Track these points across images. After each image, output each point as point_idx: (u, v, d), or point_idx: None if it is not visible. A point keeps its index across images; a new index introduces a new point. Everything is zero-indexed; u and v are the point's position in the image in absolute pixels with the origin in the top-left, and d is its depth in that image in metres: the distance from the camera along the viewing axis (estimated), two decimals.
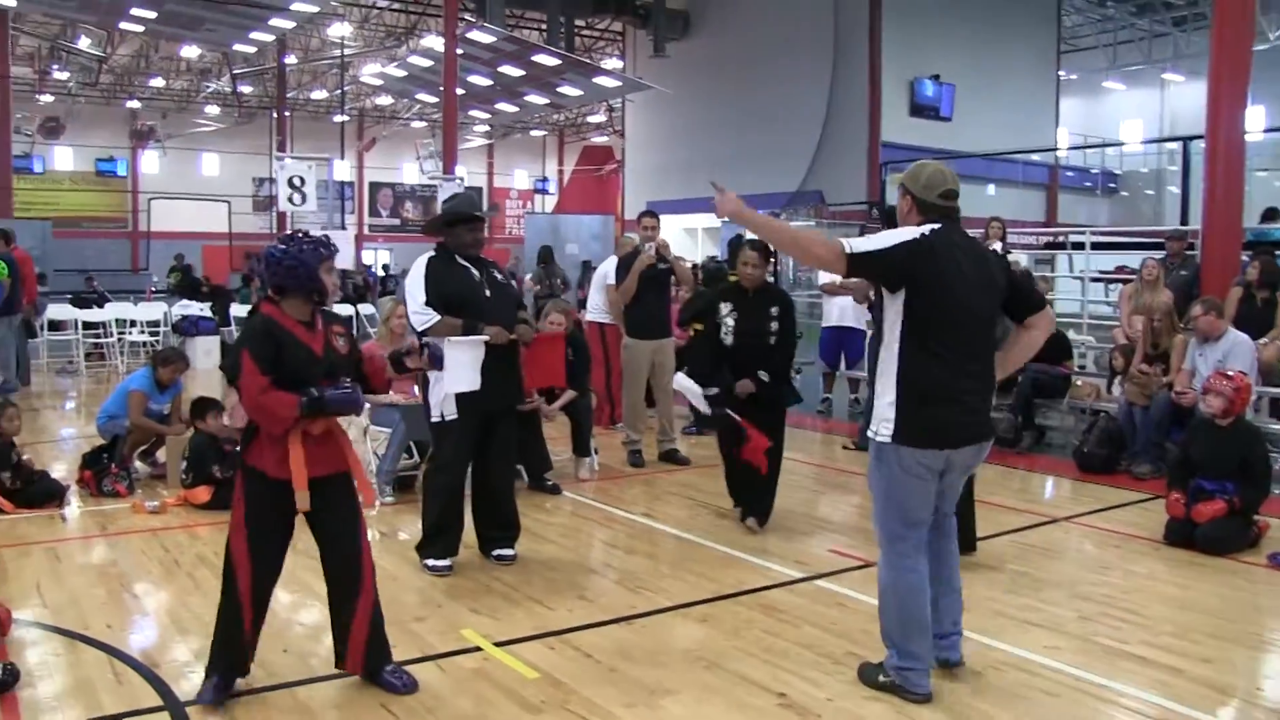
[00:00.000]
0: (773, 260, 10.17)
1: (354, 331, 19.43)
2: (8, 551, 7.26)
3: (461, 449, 6.86)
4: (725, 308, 7.92)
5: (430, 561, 6.86)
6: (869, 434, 4.83)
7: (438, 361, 5.29)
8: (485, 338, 6.60)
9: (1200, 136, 11.88)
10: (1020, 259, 14.02)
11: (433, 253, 6.93)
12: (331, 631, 5.03)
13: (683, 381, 8.06)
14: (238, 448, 8.46)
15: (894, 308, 4.69)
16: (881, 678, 4.97)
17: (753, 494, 8.05)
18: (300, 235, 4.90)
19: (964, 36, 29.63)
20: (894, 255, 4.63)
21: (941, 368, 4.64)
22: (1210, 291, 10.48)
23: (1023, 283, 5.17)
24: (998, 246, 13.35)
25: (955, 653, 5.17)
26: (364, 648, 4.95)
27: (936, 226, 4.70)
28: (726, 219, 5.03)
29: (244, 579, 4.74)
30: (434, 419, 6.85)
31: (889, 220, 10.31)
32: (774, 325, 7.86)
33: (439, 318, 6.64)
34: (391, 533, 7.91)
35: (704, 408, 8.01)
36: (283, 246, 4.80)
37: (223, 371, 4.83)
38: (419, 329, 6.68)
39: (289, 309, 4.82)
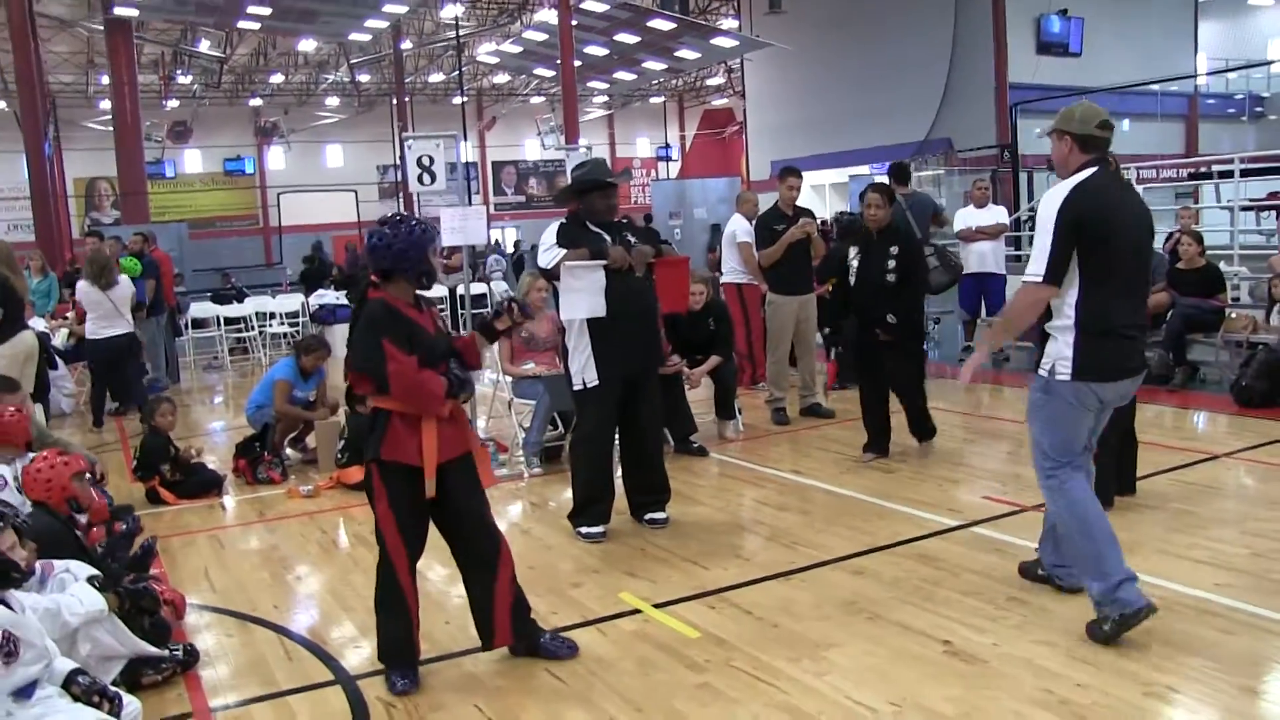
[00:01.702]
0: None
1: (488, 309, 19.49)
2: (174, 541, 7.47)
3: (605, 416, 6.87)
4: (852, 251, 8.40)
5: (584, 530, 6.89)
6: (1040, 372, 4.96)
7: (524, 310, 5.24)
8: (604, 262, 6.60)
9: None
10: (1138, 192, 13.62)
11: (564, 220, 6.92)
12: (472, 614, 4.98)
13: None
14: None
15: None
16: (1107, 627, 4.77)
17: (910, 420, 8.60)
18: (404, 218, 4.80)
19: None
20: (1065, 228, 4.71)
21: (1116, 304, 4.79)
22: None
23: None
24: None
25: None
26: (509, 618, 4.90)
27: (1092, 172, 4.80)
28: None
29: (402, 565, 4.73)
30: (575, 387, 6.88)
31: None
32: (891, 264, 8.14)
33: (564, 251, 6.67)
34: (541, 503, 7.98)
35: None
36: (389, 230, 4.70)
37: (353, 368, 4.76)
38: (548, 264, 6.74)
39: (396, 292, 4.74)
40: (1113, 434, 6.44)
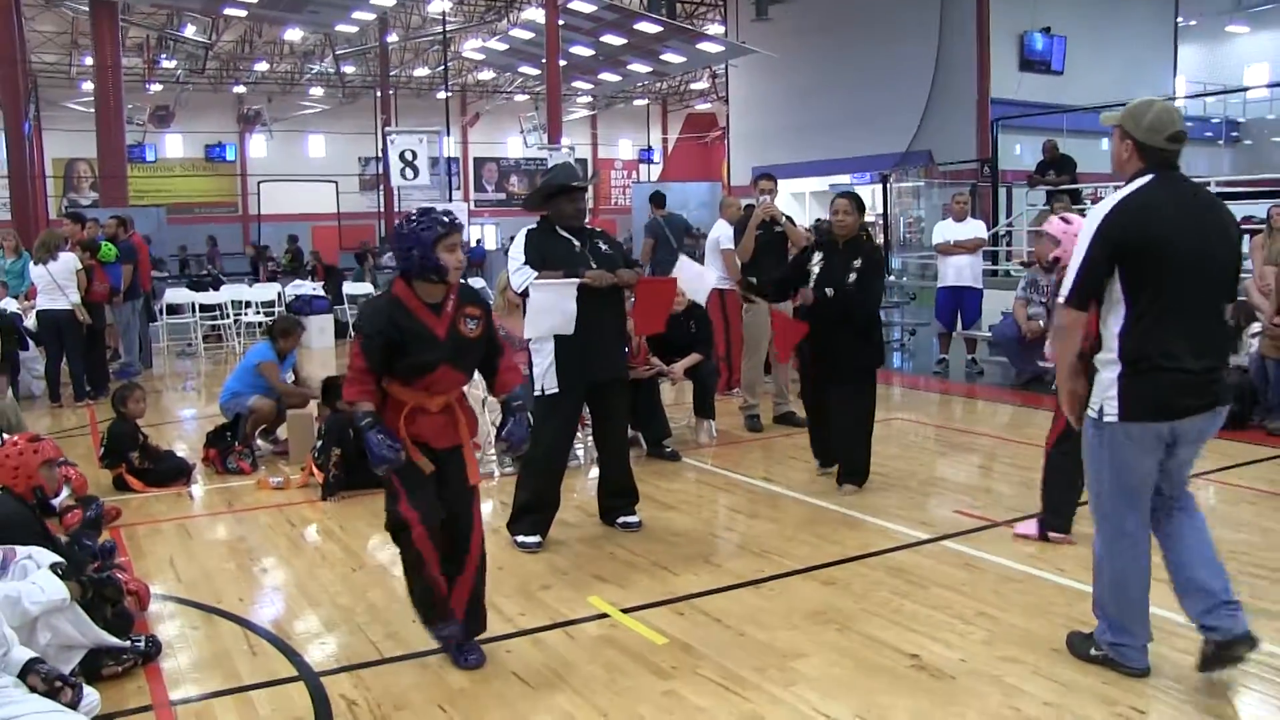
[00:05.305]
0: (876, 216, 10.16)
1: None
2: (141, 529, 7.41)
3: (562, 426, 6.80)
4: (816, 257, 7.92)
5: (521, 538, 6.71)
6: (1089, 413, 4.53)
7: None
8: (578, 280, 6.50)
9: None
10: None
11: (533, 226, 6.82)
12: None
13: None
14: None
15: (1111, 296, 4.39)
16: (1093, 650, 4.74)
17: (841, 448, 8.02)
18: (421, 212, 4.79)
19: None
20: (1100, 250, 4.31)
21: (1168, 336, 4.31)
22: None
23: None
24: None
25: None
26: (463, 612, 4.92)
27: (1143, 184, 4.32)
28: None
29: (417, 530, 4.74)
30: (535, 393, 6.70)
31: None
32: (853, 278, 7.64)
33: (537, 272, 6.56)
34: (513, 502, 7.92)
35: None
36: (403, 226, 4.75)
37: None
38: (519, 287, 6.65)
39: (419, 290, 4.77)
40: None
